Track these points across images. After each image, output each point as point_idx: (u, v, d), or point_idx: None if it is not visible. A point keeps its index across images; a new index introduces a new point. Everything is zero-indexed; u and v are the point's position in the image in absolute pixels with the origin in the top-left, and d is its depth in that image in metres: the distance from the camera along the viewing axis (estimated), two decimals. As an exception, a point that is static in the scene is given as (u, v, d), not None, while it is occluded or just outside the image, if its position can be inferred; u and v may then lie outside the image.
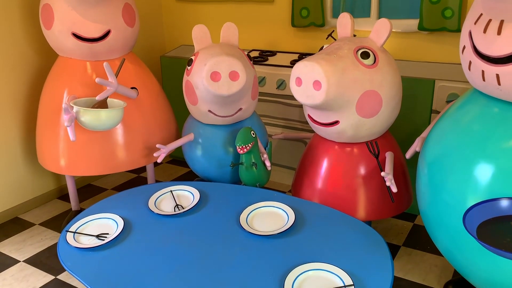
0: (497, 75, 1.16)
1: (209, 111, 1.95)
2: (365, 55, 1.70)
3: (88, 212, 1.72)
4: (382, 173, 1.67)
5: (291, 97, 2.51)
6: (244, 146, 1.88)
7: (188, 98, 2.00)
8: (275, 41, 2.82)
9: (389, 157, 1.82)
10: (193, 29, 1.96)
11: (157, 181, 2.63)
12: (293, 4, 2.62)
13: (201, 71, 1.82)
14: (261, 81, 2.57)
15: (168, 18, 3.16)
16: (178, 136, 2.30)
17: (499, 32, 1.11)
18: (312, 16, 2.59)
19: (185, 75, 2.00)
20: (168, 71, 2.84)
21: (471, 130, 1.36)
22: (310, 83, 1.62)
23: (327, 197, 1.90)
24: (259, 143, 1.99)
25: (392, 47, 2.43)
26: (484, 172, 1.26)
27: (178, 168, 2.95)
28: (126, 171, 2.89)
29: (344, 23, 1.88)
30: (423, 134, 1.75)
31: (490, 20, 1.15)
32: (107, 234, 1.57)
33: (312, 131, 2.42)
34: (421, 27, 2.29)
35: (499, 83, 1.18)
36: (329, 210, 1.69)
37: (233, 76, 1.80)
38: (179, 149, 2.20)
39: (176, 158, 3.07)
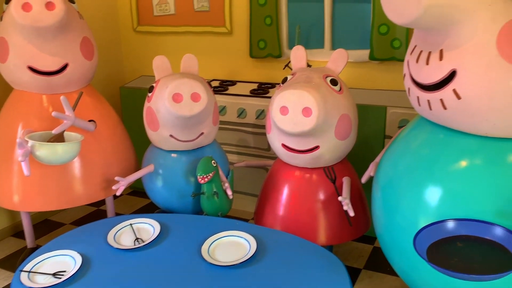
0: (428, 101, 1.26)
1: (171, 136, 1.97)
2: (333, 82, 1.81)
3: (45, 249, 1.67)
4: (339, 198, 1.73)
5: (252, 125, 2.56)
6: (205, 176, 1.89)
7: (149, 125, 2.00)
8: (235, 71, 2.88)
9: (346, 182, 1.88)
10: (154, 60, 2.00)
11: (117, 214, 2.58)
12: (250, 36, 2.70)
13: (163, 94, 1.84)
14: (222, 110, 2.61)
15: (128, 49, 3.18)
16: (138, 167, 2.28)
17: (427, 62, 1.21)
18: (269, 48, 2.68)
19: (146, 103, 2.01)
20: (128, 101, 2.84)
21: (419, 155, 1.43)
22: (298, 111, 1.66)
23: (289, 224, 1.93)
24: (220, 172, 2.01)
25: (345, 76, 2.54)
26: (432, 195, 1.33)
27: (139, 200, 2.91)
28: (85, 205, 2.82)
29: (299, 55, 1.96)
30: (377, 159, 1.82)
31: (421, 51, 1.25)
32: (64, 271, 1.52)
33: (273, 158, 2.47)
34: (372, 57, 2.42)
35: (430, 108, 1.28)
36: (290, 237, 1.71)
37: (195, 97, 1.84)
38: (140, 180, 2.18)
39: (137, 190, 3.03)
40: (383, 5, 1.23)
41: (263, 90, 2.61)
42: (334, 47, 2.56)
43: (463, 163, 1.29)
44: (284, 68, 2.50)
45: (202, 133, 1.99)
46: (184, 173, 2.02)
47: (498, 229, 1.12)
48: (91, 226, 1.83)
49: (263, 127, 2.50)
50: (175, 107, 1.81)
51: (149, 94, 1.97)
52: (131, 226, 1.77)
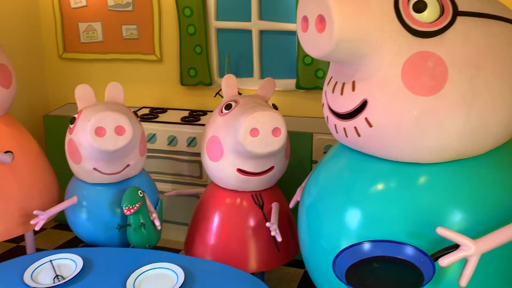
0: (344, 129, 1.33)
1: (94, 169, 1.90)
2: (275, 107, 1.91)
3: (-50, 294, 1.53)
4: (267, 224, 1.75)
5: (183, 153, 2.54)
6: (130, 207, 1.84)
7: (71, 157, 1.92)
8: (165, 98, 2.87)
9: (274, 207, 1.91)
10: (76, 89, 1.92)
11: (38, 250, 2.42)
12: (181, 64, 2.71)
13: (85, 127, 1.77)
14: (152, 137, 2.57)
15: (53, 76, 3.06)
16: (61, 199, 2.17)
17: (342, 93, 1.29)
18: (200, 76, 2.70)
19: (67, 134, 1.93)
20: (52, 130, 2.72)
21: (340, 179, 1.50)
22: (269, 131, 1.70)
23: (219, 252, 1.92)
24: (148, 202, 1.96)
25: (274, 103, 2.61)
26: (352, 218, 1.39)
27: (64, 234, 2.76)
28: (3, 241, 2.62)
29: (230, 83, 2.00)
30: (303, 184, 1.87)
31: (336, 82, 1.32)
32: (-28, 317, 1.40)
33: (204, 185, 2.46)
34: (298, 86, 2.52)
35: (346, 135, 1.35)
36: (220, 266, 1.70)
37: (119, 130, 1.78)
38: (63, 213, 2.08)
39: (62, 223, 2.87)
40: (300, 39, 1.30)
41: (194, 117, 2.62)
42: (263, 76, 2.63)
43: (378, 187, 1.36)
44: (215, 96, 2.54)
45: (128, 165, 1.94)
46: (109, 204, 1.95)
47: (409, 249, 1.19)
48: (6, 264, 1.71)
49: (195, 154, 2.50)
50: (98, 141, 1.75)
51: (71, 126, 1.89)
52: (51, 263, 1.67)
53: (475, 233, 1.20)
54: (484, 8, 1.24)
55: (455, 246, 1.16)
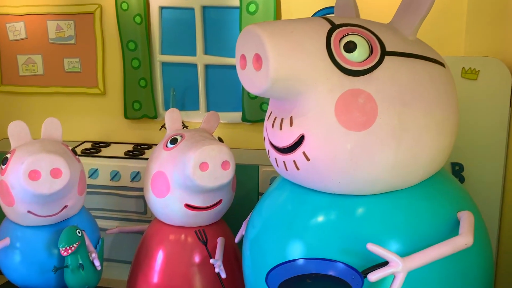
0: (284, 162, 1.36)
1: (29, 211, 1.80)
2: (220, 140, 1.91)
3: None
4: (211, 260, 1.73)
5: (126, 188, 2.48)
6: (68, 247, 1.75)
7: (3, 200, 1.82)
8: (109, 132, 2.80)
9: (219, 243, 1.89)
10: (9, 126, 1.83)
11: (-34, 297, 2.24)
12: (125, 97, 2.68)
13: (18, 170, 1.69)
14: (94, 173, 2.49)
15: (-12, 110, 2.92)
16: (-8, 241, 2.04)
17: (281, 128, 1.32)
18: (145, 109, 2.68)
19: (-1, 175, 1.83)
20: (-15, 167, 2.57)
21: (282, 211, 1.51)
22: (218, 165, 1.70)
23: (163, 291, 1.86)
24: (87, 241, 1.88)
25: (221, 136, 2.62)
26: (293, 250, 1.39)
27: (-3, 278, 2.57)
28: None
29: (173, 117, 2.00)
30: (248, 218, 1.87)
31: (275, 117, 1.36)
32: None
33: (149, 221, 2.40)
34: (244, 119, 2.55)
35: (286, 169, 1.38)
36: (162, 305, 1.64)
37: (55, 173, 1.71)
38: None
39: (-5, 266, 2.68)
40: (239, 76, 1.33)
41: (138, 151, 2.57)
42: (209, 109, 2.65)
43: (318, 219, 1.39)
44: (160, 129, 2.51)
45: (66, 206, 1.85)
46: (45, 245, 1.85)
47: (340, 265, 1.23)
48: None
49: (139, 189, 2.44)
50: (32, 185, 1.66)
51: (3, 167, 1.78)
52: (-23, 312, 1.55)
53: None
54: (409, 49, 1.33)
55: (384, 263, 1.20)
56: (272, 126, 1.38)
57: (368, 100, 1.22)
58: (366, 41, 1.26)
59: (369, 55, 1.26)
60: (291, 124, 1.30)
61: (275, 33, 1.19)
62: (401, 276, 1.18)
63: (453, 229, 1.32)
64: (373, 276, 1.18)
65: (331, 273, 1.22)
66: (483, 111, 1.93)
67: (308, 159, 1.29)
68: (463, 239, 1.23)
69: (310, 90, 1.24)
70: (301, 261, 1.25)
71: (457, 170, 2.01)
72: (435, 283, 1.31)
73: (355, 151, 1.23)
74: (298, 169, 1.34)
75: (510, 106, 1.91)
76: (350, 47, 1.25)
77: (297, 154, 1.31)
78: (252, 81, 1.26)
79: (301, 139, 1.29)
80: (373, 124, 1.22)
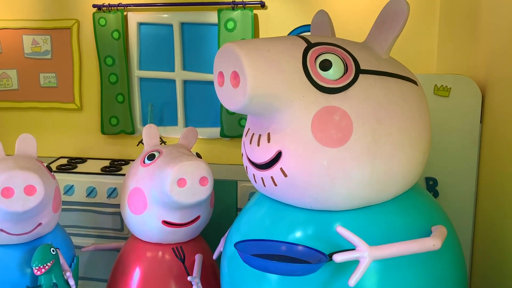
0: (262, 178, 1.37)
1: (1, 230, 1.75)
2: (198, 155, 1.92)
3: None
4: (189, 278, 1.71)
5: (103, 205, 2.44)
6: (41, 266, 1.70)
7: (-27, 217, 1.76)
8: (85, 148, 2.77)
9: (197, 259, 1.87)
10: (-19, 142, 1.80)
11: None
12: (102, 113, 2.65)
13: None
14: (69, 190, 2.45)
15: (-40, 125, 2.85)
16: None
17: (258, 144, 1.34)
18: (122, 124, 2.66)
19: (-31, 193, 1.78)
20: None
21: (260, 226, 1.51)
22: (196, 181, 1.69)
23: (140, 310, 1.83)
24: (62, 260, 1.83)
25: (200, 152, 2.62)
26: (272, 267, 1.39)
27: (-34, 299, 2.47)
28: None
29: (151, 132, 1.99)
30: (226, 234, 1.87)
31: (253, 134, 1.37)
32: None
33: (126, 239, 2.36)
34: (222, 134, 2.56)
35: (264, 185, 1.38)
36: (139, 325, 1.61)
37: (29, 190, 1.67)
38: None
39: (-36, 286, 2.59)
40: (217, 93, 1.34)
41: (115, 167, 2.54)
42: (187, 124, 2.65)
43: (296, 235, 1.39)
44: (138, 145, 2.49)
45: (40, 224, 1.81)
46: (18, 264, 1.79)
47: (308, 250, 1.26)
48: None
49: (116, 206, 2.40)
50: (5, 203, 1.61)
51: None
52: None
53: (385, 276, 1.27)
54: (383, 67, 1.36)
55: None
56: (250, 142, 1.39)
57: (344, 117, 1.25)
58: (341, 59, 1.29)
59: (344, 73, 1.28)
60: (268, 141, 1.31)
61: (252, 51, 1.21)
62: (366, 261, 1.20)
63: (427, 243, 1.35)
64: (338, 257, 1.19)
65: (298, 257, 1.25)
66: (455, 127, 1.98)
67: (285, 175, 1.30)
68: (432, 240, 1.26)
69: (286, 107, 1.25)
70: (272, 242, 1.30)
71: (431, 184, 2.06)
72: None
73: (332, 167, 1.25)
74: (275, 185, 1.35)
75: (480, 123, 1.97)
76: (326, 65, 1.27)
77: (275, 170, 1.32)
78: (229, 98, 1.27)
79: (278, 155, 1.30)
80: (348, 141, 1.24)
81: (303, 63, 1.26)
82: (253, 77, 1.18)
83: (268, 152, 1.32)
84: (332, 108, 1.25)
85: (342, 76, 1.28)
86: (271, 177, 1.34)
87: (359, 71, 1.30)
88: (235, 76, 1.22)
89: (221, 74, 1.29)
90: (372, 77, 1.32)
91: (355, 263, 1.23)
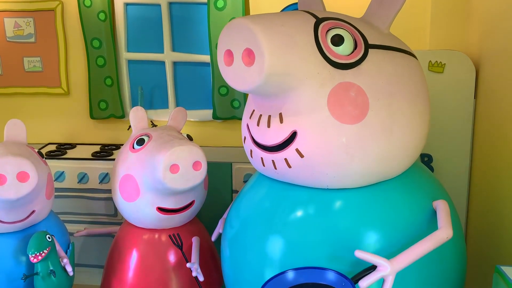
0: (273, 161, 1.33)
1: (-6, 218, 1.71)
2: (189, 138, 1.88)
3: None
4: (188, 264, 1.69)
5: (95, 190, 2.40)
6: (38, 254, 1.67)
7: (-36, 206, 1.71)
8: (74, 133, 2.71)
9: (195, 243, 1.85)
10: (-31, 129, 1.74)
11: None
12: (90, 97, 2.59)
13: None
14: (60, 176, 2.40)
15: None
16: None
17: (268, 125, 1.29)
18: (111, 108, 2.60)
19: (-41, 181, 1.72)
20: None
21: (261, 208, 1.49)
22: (189, 166, 1.63)
23: (139, 295, 1.81)
24: (58, 247, 1.80)
25: (191, 134, 2.58)
26: (274, 246, 1.38)
27: (-42, 290, 2.43)
28: None
29: (139, 115, 1.94)
30: (224, 215, 1.85)
31: (261, 115, 1.32)
32: None
33: (120, 224, 2.33)
34: (215, 116, 2.52)
35: (275, 168, 1.34)
36: (140, 309, 1.60)
37: (22, 177, 1.62)
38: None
39: (-45, 277, 2.54)
40: (223, 73, 1.27)
41: (106, 152, 2.50)
42: (178, 106, 2.59)
43: (297, 214, 1.38)
44: (128, 129, 2.44)
45: (33, 211, 1.77)
46: (13, 253, 1.75)
47: (331, 273, 1.22)
48: None
49: (108, 191, 2.36)
50: None
51: None
52: None
53: (388, 253, 1.27)
54: (387, 42, 1.34)
55: (373, 267, 1.20)
56: (258, 125, 1.33)
57: (359, 92, 1.22)
58: (350, 34, 1.26)
59: (355, 49, 1.25)
60: (281, 121, 1.26)
61: (267, 26, 1.14)
62: (391, 279, 1.19)
63: (430, 218, 1.35)
64: (364, 283, 1.18)
65: (322, 282, 1.22)
66: (449, 103, 1.99)
67: (301, 156, 1.26)
68: (444, 233, 1.25)
69: (302, 85, 1.20)
70: (291, 273, 1.23)
71: (426, 161, 2.07)
72: (411, 271, 1.33)
73: (351, 144, 1.22)
74: (290, 166, 1.30)
75: (474, 98, 1.98)
76: (337, 40, 1.23)
77: (290, 152, 1.27)
78: (240, 78, 1.21)
79: (293, 136, 1.26)
80: (366, 117, 1.22)
81: (315, 38, 1.21)
82: (271, 54, 1.12)
83: (281, 133, 1.27)
84: (347, 84, 1.21)
85: (353, 52, 1.25)
86: (285, 159, 1.29)
87: (368, 45, 1.28)
88: (249, 54, 1.16)
89: (228, 52, 1.22)
90: (381, 52, 1.30)
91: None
